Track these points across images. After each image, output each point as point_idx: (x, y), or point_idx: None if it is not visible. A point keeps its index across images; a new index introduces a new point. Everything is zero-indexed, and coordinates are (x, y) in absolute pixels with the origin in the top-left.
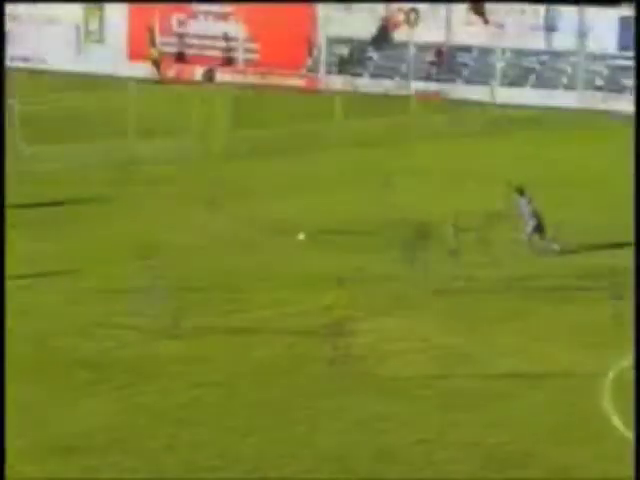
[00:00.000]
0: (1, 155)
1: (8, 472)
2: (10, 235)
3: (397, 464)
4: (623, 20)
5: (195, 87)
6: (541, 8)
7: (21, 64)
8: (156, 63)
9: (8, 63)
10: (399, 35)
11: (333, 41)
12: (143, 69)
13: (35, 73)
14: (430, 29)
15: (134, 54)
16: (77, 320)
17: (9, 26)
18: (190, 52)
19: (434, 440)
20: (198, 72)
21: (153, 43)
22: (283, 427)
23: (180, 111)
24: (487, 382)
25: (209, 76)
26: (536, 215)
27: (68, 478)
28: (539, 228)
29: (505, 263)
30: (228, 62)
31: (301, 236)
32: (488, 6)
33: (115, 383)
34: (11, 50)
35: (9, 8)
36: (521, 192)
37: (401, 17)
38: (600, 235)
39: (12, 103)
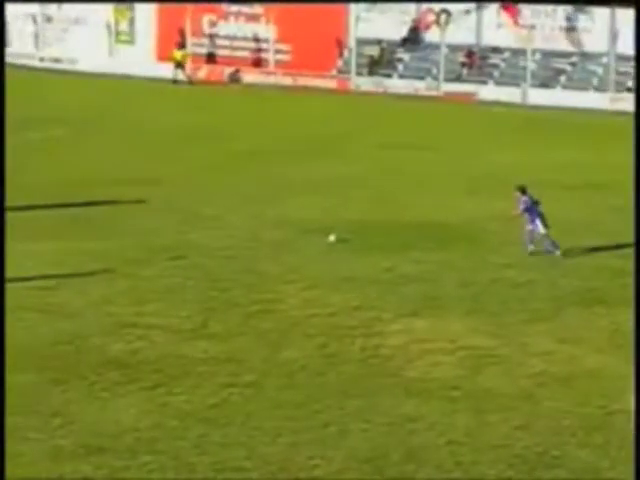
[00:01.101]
0: (1, 154)
1: (38, 471)
2: (41, 236)
3: (426, 465)
4: None
5: (223, 88)
6: (572, 9)
7: (52, 65)
8: (180, 65)
9: (38, 64)
10: (430, 36)
11: (363, 42)
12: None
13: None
14: (461, 30)
15: (164, 55)
16: (107, 321)
17: (41, 27)
18: (220, 53)
19: (463, 442)
20: (228, 73)
21: (181, 45)
22: (312, 428)
23: (206, 112)
24: (516, 383)
25: (235, 77)
26: (540, 214)
27: (97, 478)
28: (537, 227)
29: (532, 264)
30: (258, 63)
31: (331, 237)
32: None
33: (145, 383)
34: (42, 51)
35: (40, 9)
36: (523, 191)
37: (432, 18)
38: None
39: None
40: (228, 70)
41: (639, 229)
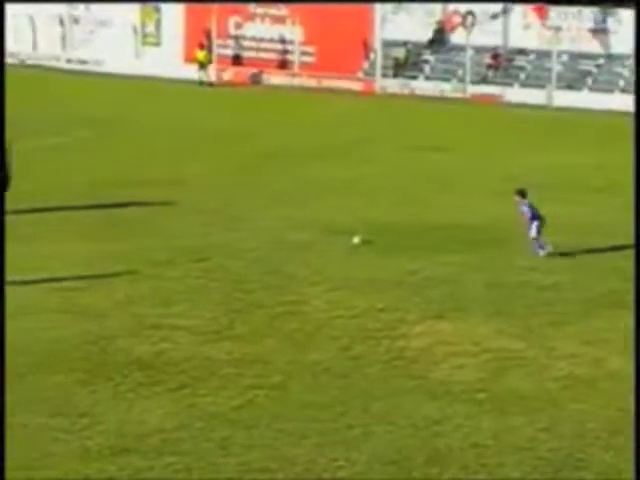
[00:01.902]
0: (1, 153)
1: (66, 472)
2: (68, 237)
3: (450, 467)
4: None
5: (248, 90)
6: (598, 11)
7: (79, 67)
8: (203, 66)
9: (65, 66)
10: (456, 38)
11: (389, 44)
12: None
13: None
14: (487, 32)
15: (190, 57)
16: (132, 322)
17: (68, 29)
18: (246, 55)
19: (488, 444)
20: (249, 75)
21: (202, 46)
22: (337, 430)
23: (232, 113)
24: (541, 386)
25: (256, 79)
26: (539, 216)
27: (122, 478)
28: (532, 229)
29: (558, 267)
30: (284, 65)
31: (356, 239)
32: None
33: (170, 385)
34: (69, 53)
35: (68, 10)
36: (522, 194)
37: (458, 20)
38: None
39: None
40: (246, 71)
41: (639, 229)
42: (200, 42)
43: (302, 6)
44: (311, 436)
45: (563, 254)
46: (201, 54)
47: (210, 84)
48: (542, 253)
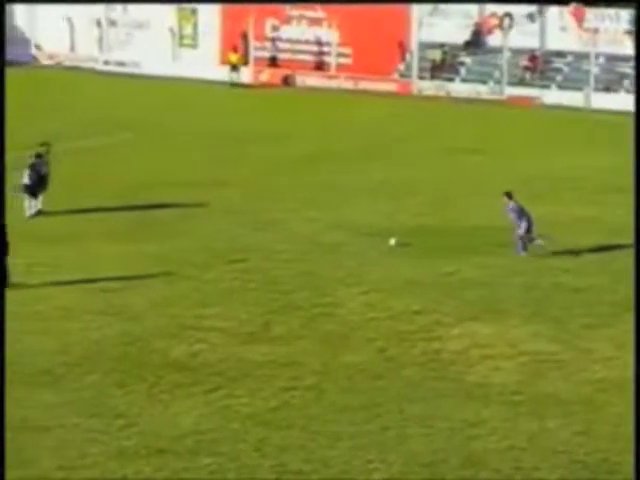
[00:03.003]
0: (1, 152)
1: (103, 472)
2: (106, 238)
3: (486, 470)
4: None
5: (284, 91)
6: (636, 12)
7: (116, 69)
8: (235, 68)
9: (102, 67)
10: (492, 40)
11: (426, 46)
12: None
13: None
14: (524, 34)
15: (227, 59)
16: (169, 323)
17: (105, 31)
18: (283, 57)
19: (524, 447)
20: (281, 76)
21: (236, 49)
22: (372, 432)
23: (268, 115)
24: (577, 389)
25: (289, 81)
26: (527, 217)
27: (159, 479)
28: (529, 229)
29: (592, 269)
30: (320, 67)
31: (392, 241)
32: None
33: (206, 386)
34: (106, 55)
35: (105, 13)
36: (510, 196)
37: (495, 22)
38: None
39: None
40: (282, 73)
41: (639, 229)
42: (234, 45)
43: (338, 8)
44: (346, 438)
45: (596, 255)
46: (234, 57)
47: (241, 85)
48: (524, 254)
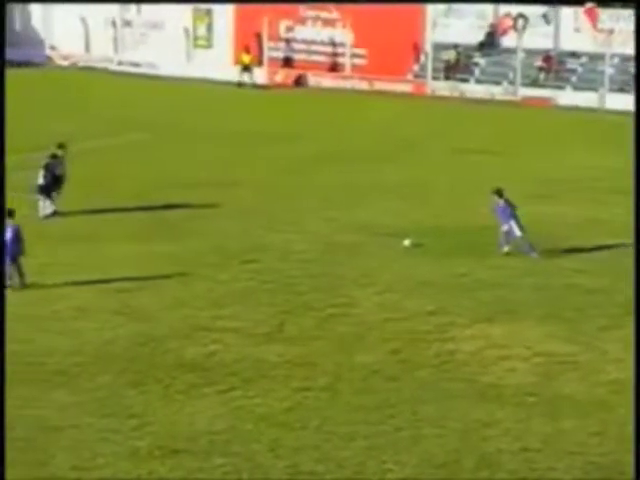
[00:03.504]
0: (1, 154)
1: (116, 472)
2: (121, 238)
3: (500, 471)
4: None
5: (298, 92)
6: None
7: (130, 69)
8: (247, 68)
9: (117, 68)
10: (507, 40)
11: (440, 46)
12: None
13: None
14: (538, 35)
15: (253, 61)
16: (183, 323)
17: (120, 32)
18: (297, 58)
19: (538, 448)
20: (293, 77)
21: (248, 50)
22: (386, 433)
23: (282, 115)
24: (592, 390)
25: (300, 81)
26: (514, 217)
27: (173, 479)
28: (513, 230)
29: (607, 270)
30: (334, 68)
31: (407, 242)
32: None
33: (220, 386)
34: (121, 55)
35: (120, 13)
36: (500, 194)
37: (509, 23)
38: None
39: None
40: (297, 74)
41: (639, 229)
42: (246, 46)
43: (353, 9)
44: (360, 439)
45: (609, 257)
46: (246, 57)
47: (249, 85)
48: (534, 255)
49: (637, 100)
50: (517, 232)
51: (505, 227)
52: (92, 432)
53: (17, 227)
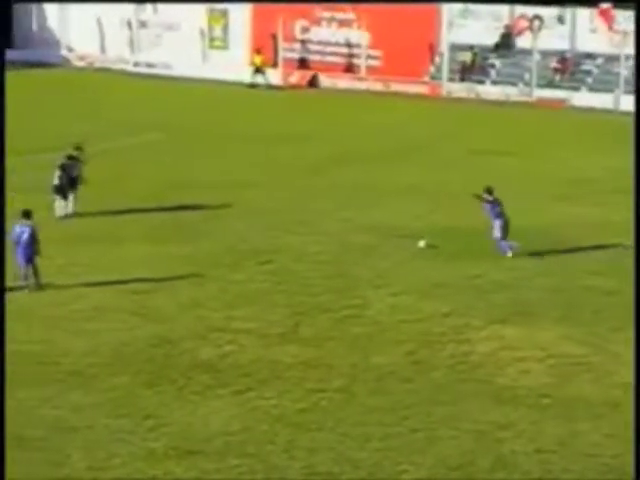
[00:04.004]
0: (1, 155)
1: (130, 473)
2: (135, 239)
3: (515, 473)
4: None
5: (314, 93)
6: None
7: (146, 70)
8: (259, 69)
9: (132, 69)
10: (522, 42)
11: (456, 48)
12: (269, 76)
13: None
14: (554, 36)
15: (265, 62)
16: (197, 324)
17: (135, 33)
18: (312, 59)
19: (552, 449)
20: (320, 78)
21: (259, 51)
22: (401, 434)
23: (297, 116)
24: (605, 392)
25: (313, 82)
26: (503, 216)
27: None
28: (505, 228)
29: (623, 271)
30: (350, 69)
31: (421, 243)
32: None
33: (235, 387)
34: (137, 56)
35: (135, 14)
36: (490, 192)
37: (525, 24)
38: None
39: None
40: (309, 75)
41: (639, 229)
42: (258, 47)
43: (368, 10)
44: (375, 440)
45: (625, 258)
46: (258, 58)
47: (259, 86)
48: (510, 254)
49: (637, 100)
50: (497, 233)
51: (497, 233)
52: (108, 433)
53: (33, 228)
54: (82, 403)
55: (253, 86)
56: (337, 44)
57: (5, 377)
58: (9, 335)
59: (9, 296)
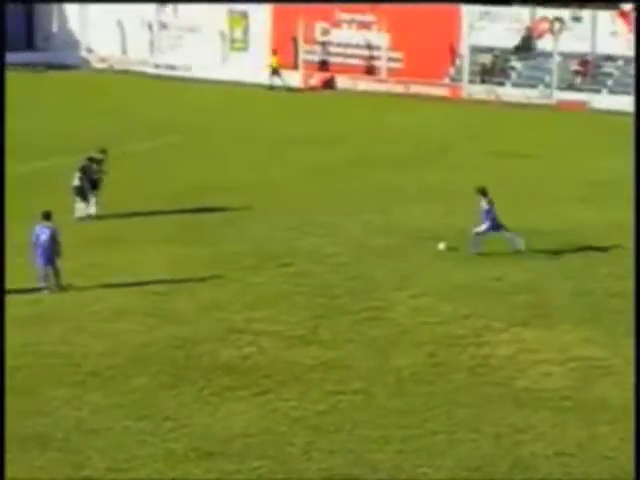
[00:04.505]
0: (1, 155)
1: (150, 474)
2: (155, 241)
3: (535, 476)
4: None
5: (334, 95)
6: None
7: (166, 72)
8: (276, 71)
9: (153, 71)
10: (543, 44)
11: (476, 50)
12: (289, 78)
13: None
14: (574, 38)
15: (278, 62)
16: (217, 326)
17: (156, 34)
18: (333, 61)
19: (572, 453)
20: (340, 81)
21: (275, 52)
22: (421, 436)
23: (316, 118)
24: (627, 395)
25: (329, 84)
26: (493, 218)
27: None
28: (491, 230)
29: None
30: (370, 71)
31: (441, 245)
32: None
33: (254, 389)
34: (157, 58)
35: (156, 16)
36: (484, 193)
37: (545, 26)
38: None
39: None
40: (332, 77)
41: (639, 229)
42: (274, 49)
43: (389, 11)
44: (395, 442)
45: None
46: (274, 59)
47: (280, 88)
48: (473, 251)
49: (637, 100)
50: (480, 228)
51: (479, 229)
52: (128, 434)
53: (53, 229)
54: (102, 404)
55: (272, 88)
56: (357, 46)
57: (5, 377)
58: (30, 336)
59: (30, 297)
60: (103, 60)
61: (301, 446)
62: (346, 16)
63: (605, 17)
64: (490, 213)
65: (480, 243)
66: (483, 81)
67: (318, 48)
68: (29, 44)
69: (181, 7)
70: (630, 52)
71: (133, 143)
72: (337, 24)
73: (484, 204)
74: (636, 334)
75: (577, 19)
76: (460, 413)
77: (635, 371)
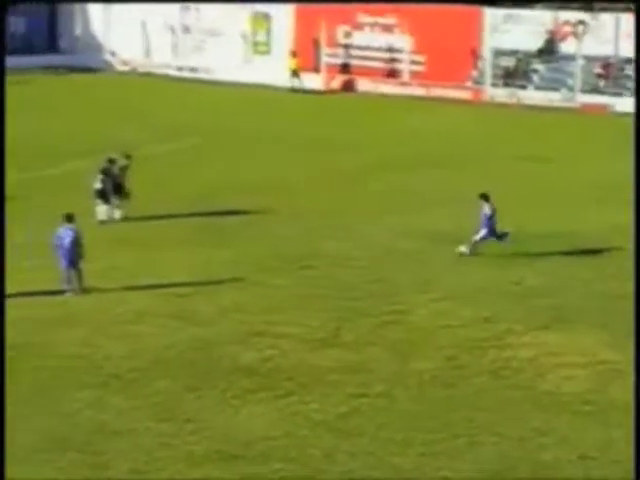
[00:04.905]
0: (1, 156)
1: (172, 475)
2: (176, 244)
3: (557, 479)
4: None
5: (356, 98)
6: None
7: (189, 75)
8: (295, 73)
9: (176, 73)
10: (566, 47)
11: (499, 53)
12: (311, 81)
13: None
14: (598, 41)
15: (300, 65)
16: (238, 329)
17: (179, 38)
18: (355, 64)
19: (594, 456)
20: (362, 83)
21: (294, 54)
22: (442, 439)
23: (338, 121)
24: None
25: (348, 86)
26: (492, 226)
27: None
28: (489, 236)
29: None
30: (393, 74)
31: (462, 248)
32: None
33: (276, 392)
34: (180, 61)
35: (179, 19)
36: (486, 198)
37: (568, 29)
38: None
39: None
40: (363, 81)
41: (639, 229)
42: (293, 51)
43: (411, 14)
44: (416, 445)
45: None
46: (293, 62)
47: (300, 90)
48: (464, 251)
49: (637, 100)
50: (479, 235)
51: (476, 236)
52: (150, 436)
53: (76, 231)
54: (124, 407)
55: (295, 90)
56: (379, 49)
57: (5, 377)
58: (53, 338)
59: (54, 299)
60: (126, 63)
61: (323, 449)
62: (368, 19)
63: (629, 20)
64: (491, 219)
65: (478, 248)
66: (506, 84)
67: (340, 51)
68: (52, 47)
69: (204, 10)
70: None
71: (155, 145)
72: (359, 27)
73: (487, 210)
74: (636, 334)
75: (595, 17)
76: (481, 416)
77: (635, 371)
